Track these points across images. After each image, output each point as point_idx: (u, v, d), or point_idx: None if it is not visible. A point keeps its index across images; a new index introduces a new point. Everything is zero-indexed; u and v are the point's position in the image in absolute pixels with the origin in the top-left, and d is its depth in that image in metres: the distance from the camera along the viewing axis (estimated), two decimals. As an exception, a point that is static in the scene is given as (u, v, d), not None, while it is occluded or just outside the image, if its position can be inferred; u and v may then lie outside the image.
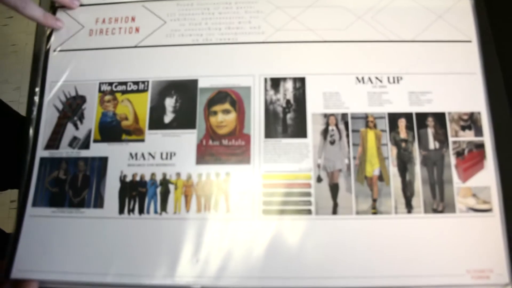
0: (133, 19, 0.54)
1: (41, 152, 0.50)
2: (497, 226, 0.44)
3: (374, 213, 0.45)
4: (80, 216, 0.47)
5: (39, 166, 0.49)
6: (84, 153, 0.49)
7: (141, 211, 0.47)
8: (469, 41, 0.50)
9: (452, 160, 0.46)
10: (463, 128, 0.47)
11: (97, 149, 0.49)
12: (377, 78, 0.49)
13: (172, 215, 0.46)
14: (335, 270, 0.44)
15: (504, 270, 0.43)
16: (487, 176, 0.46)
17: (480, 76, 0.48)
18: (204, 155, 0.48)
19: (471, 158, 0.46)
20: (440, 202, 0.45)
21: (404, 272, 0.43)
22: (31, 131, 0.50)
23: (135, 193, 0.47)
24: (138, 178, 0.48)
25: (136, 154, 0.49)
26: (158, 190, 0.47)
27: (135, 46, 0.52)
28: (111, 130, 0.50)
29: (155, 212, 0.47)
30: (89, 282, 0.45)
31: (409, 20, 0.51)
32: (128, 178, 0.48)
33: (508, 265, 0.43)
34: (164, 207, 0.47)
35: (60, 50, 0.53)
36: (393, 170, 0.46)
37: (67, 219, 0.47)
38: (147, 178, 0.48)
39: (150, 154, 0.49)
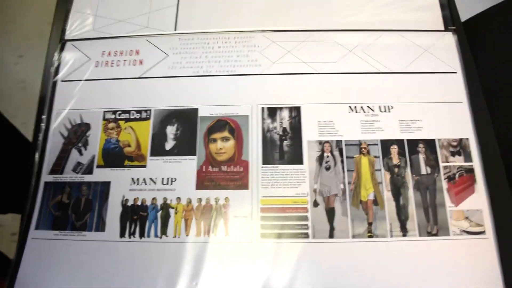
0: (137, 52, 0.57)
1: (46, 177, 0.51)
2: (491, 248, 0.45)
3: (370, 236, 0.46)
4: (81, 239, 0.47)
5: (44, 190, 0.50)
6: (88, 178, 0.50)
7: (141, 234, 0.48)
8: (455, 72, 0.53)
9: (444, 184, 0.48)
10: (453, 154, 0.49)
11: (100, 174, 0.50)
12: (369, 107, 0.52)
13: (172, 239, 0.47)
14: (332, 293, 0.44)
15: (500, 291, 0.43)
16: (479, 200, 0.47)
17: (467, 105, 0.51)
18: (203, 180, 0.50)
19: (462, 182, 0.48)
20: (434, 225, 0.46)
21: (400, 295, 0.44)
22: (36, 156, 0.52)
23: (136, 217, 0.48)
24: (139, 203, 0.49)
25: (138, 179, 0.50)
26: (159, 214, 0.48)
27: (139, 77, 0.55)
28: (114, 156, 0.51)
29: (156, 235, 0.47)
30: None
31: (398, 53, 0.54)
32: (130, 203, 0.49)
33: (504, 285, 0.44)
34: (164, 231, 0.48)
35: (67, 80, 0.56)
36: (387, 195, 0.48)
37: (69, 241, 0.47)
38: (148, 202, 0.49)
39: (151, 179, 0.50)
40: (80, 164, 0.51)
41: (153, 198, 0.49)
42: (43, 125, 0.53)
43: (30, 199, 0.50)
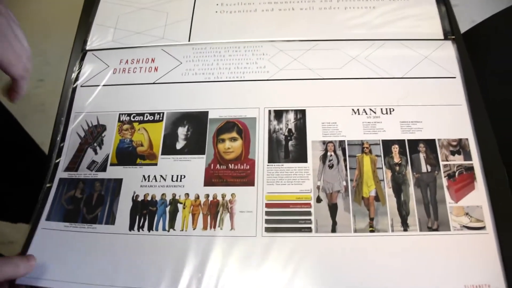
0: (152, 60, 0.61)
1: (61, 174, 0.54)
2: (492, 243, 0.46)
3: (372, 231, 0.47)
4: (91, 231, 0.50)
5: (58, 186, 0.53)
6: (101, 175, 0.53)
7: (150, 228, 0.49)
8: (454, 77, 0.55)
9: (444, 182, 0.49)
10: (453, 153, 0.50)
11: (113, 172, 0.53)
12: (371, 109, 0.54)
13: (179, 232, 0.49)
14: (332, 285, 0.45)
15: (502, 285, 0.44)
16: (478, 197, 0.48)
17: (466, 107, 0.53)
18: (211, 177, 0.52)
19: (462, 180, 0.49)
20: (435, 220, 0.47)
21: (402, 287, 0.44)
22: (54, 155, 0.55)
23: (145, 211, 0.50)
24: (149, 198, 0.51)
25: (148, 176, 0.53)
26: (168, 209, 0.50)
27: (153, 83, 0.59)
28: (127, 155, 0.54)
29: (164, 229, 0.49)
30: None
31: (399, 60, 0.57)
32: (140, 198, 0.51)
33: (505, 279, 0.44)
34: (172, 225, 0.49)
35: (86, 86, 0.59)
36: (388, 191, 0.49)
37: (79, 233, 0.50)
38: (158, 198, 0.51)
39: (161, 176, 0.52)
40: (95, 162, 0.54)
41: (163, 194, 0.51)
42: (61, 126, 0.57)
43: (43, 193, 0.53)
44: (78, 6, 0.70)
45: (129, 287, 0.46)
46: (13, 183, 0.72)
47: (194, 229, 0.49)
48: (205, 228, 0.49)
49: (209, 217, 0.50)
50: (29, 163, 0.72)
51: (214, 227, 0.49)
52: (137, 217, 0.50)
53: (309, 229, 0.48)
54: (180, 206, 0.51)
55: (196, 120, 0.56)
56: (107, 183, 0.53)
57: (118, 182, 0.53)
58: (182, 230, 0.49)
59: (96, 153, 0.55)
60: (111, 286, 0.46)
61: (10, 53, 0.43)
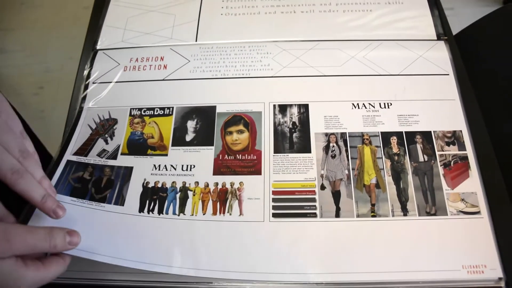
0: (162, 58, 0.64)
1: (69, 156, 0.55)
2: (487, 226, 0.49)
3: (373, 216, 0.50)
4: (99, 209, 0.51)
5: (65, 166, 0.54)
6: (111, 163, 0.55)
7: (160, 211, 0.51)
8: (447, 74, 0.59)
9: (440, 170, 0.52)
10: (448, 143, 0.54)
11: (123, 160, 0.55)
12: (370, 104, 0.57)
13: (189, 217, 0.51)
14: (338, 266, 0.47)
15: (497, 265, 0.46)
16: (473, 184, 0.51)
17: (459, 102, 0.57)
18: (220, 167, 0.54)
19: (457, 168, 0.52)
20: (433, 206, 0.50)
21: (403, 268, 0.47)
22: (62, 143, 0.57)
23: (155, 197, 0.52)
24: (159, 185, 0.53)
25: (159, 166, 0.55)
26: (178, 195, 0.53)
27: (163, 79, 0.62)
28: (138, 146, 0.57)
29: (174, 213, 0.51)
30: (101, 261, 0.46)
31: (395, 59, 0.61)
32: (150, 185, 0.53)
33: (500, 260, 0.47)
34: (182, 210, 0.52)
35: (98, 82, 0.62)
36: (388, 179, 0.52)
37: (86, 209, 0.51)
38: (168, 185, 0.53)
39: (172, 166, 0.55)
40: (105, 151, 0.56)
41: (173, 182, 0.54)
42: (73, 120, 0.59)
43: (48, 172, 0.53)
44: (77, 15, 0.73)
45: (137, 261, 0.47)
46: None
47: (204, 214, 0.51)
48: (214, 213, 0.51)
49: (218, 203, 0.52)
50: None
51: (224, 213, 0.51)
52: (147, 201, 0.52)
53: (314, 214, 0.50)
54: (190, 193, 0.53)
55: (204, 114, 0.58)
56: (117, 170, 0.54)
57: (129, 170, 0.54)
58: (192, 215, 0.51)
59: (107, 143, 0.57)
60: (118, 258, 0.47)
61: None
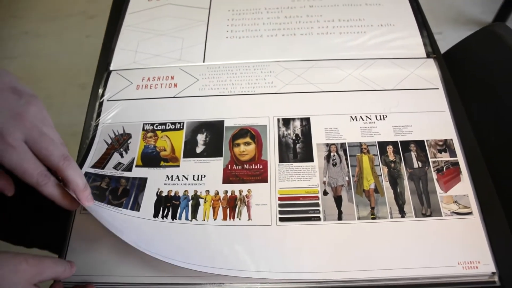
0: (172, 77, 0.68)
1: (87, 169, 0.59)
2: (479, 225, 0.52)
3: (373, 218, 0.54)
4: (117, 212, 0.54)
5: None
6: (127, 174, 0.59)
7: (173, 217, 0.55)
8: (437, 88, 0.64)
9: (434, 175, 0.56)
10: (440, 151, 0.58)
11: (138, 172, 0.59)
12: (367, 116, 0.62)
13: (201, 222, 0.54)
14: (341, 265, 0.51)
15: (490, 261, 0.50)
16: (464, 187, 0.55)
17: (449, 113, 0.61)
18: (229, 176, 0.58)
19: (449, 173, 0.56)
20: (428, 208, 0.54)
21: (401, 265, 0.50)
22: (79, 158, 0.61)
23: (169, 204, 0.56)
24: (172, 194, 0.57)
25: (172, 176, 0.59)
26: (190, 203, 0.56)
27: (173, 97, 0.66)
28: (151, 158, 0.60)
29: (186, 219, 0.55)
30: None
31: (389, 75, 0.66)
32: (164, 194, 0.57)
33: (492, 256, 0.50)
34: (194, 216, 0.55)
35: (112, 100, 0.66)
36: (386, 184, 0.56)
37: (105, 210, 0.53)
38: (181, 193, 0.57)
39: (184, 176, 0.58)
40: (121, 164, 0.60)
41: (185, 191, 0.57)
42: (89, 136, 0.63)
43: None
44: (80, 43, 0.77)
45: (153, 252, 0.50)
46: (37, 208, 0.70)
47: (215, 219, 0.55)
48: (224, 218, 0.55)
49: (228, 209, 0.55)
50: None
51: (233, 218, 0.55)
52: (161, 208, 0.56)
53: (318, 218, 0.54)
54: (201, 201, 0.56)
55: (213, 128, 0.63)
56: (133, 180, 0.58)
57: (143, 180, 0.58)
58: (204, 220, 0.55)
59: (122, 156, 0.61)
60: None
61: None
